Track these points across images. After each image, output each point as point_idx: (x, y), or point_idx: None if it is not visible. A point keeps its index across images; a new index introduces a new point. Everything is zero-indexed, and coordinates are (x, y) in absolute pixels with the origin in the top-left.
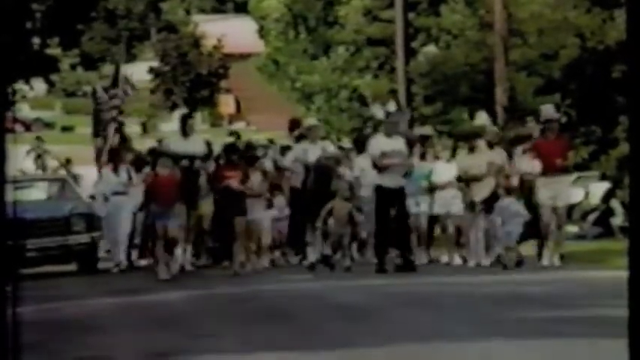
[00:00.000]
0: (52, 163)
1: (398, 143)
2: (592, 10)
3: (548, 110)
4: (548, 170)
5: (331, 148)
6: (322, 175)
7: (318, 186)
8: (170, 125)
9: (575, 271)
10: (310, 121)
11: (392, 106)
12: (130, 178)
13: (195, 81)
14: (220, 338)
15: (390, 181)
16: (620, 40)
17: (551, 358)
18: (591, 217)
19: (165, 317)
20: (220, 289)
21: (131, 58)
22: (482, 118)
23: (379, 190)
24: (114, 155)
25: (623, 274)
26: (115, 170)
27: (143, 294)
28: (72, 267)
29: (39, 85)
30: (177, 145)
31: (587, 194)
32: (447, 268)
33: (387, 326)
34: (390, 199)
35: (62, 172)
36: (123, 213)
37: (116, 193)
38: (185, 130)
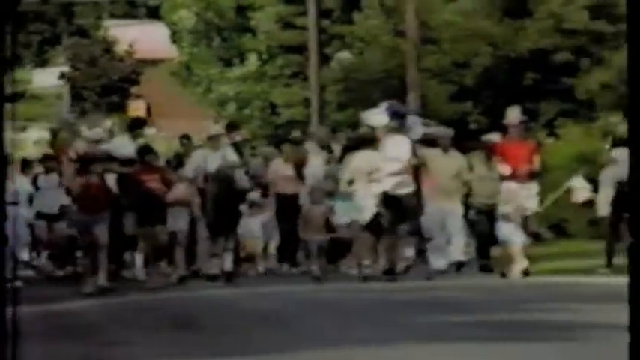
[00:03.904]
0: None
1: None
2: (504, 19)
3: (512, 114)
4: (514, 176)
5: (232, 157)
6: (222, 185)
7: (219, 197)
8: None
9: (491, 276)
10: (213, 129)
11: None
12: (35, 184)
13: (106, 86)
14: (132, 346)
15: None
16: (532, 49)
17: None
18: None
19: (77, 326)
20: (133, 296)
21: (42, 62)
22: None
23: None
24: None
25: (541, 279)
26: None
27: (56, 302)
28: None
29: None
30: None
31: None
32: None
33: (300, 332)
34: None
35: None
36: (16, 224)
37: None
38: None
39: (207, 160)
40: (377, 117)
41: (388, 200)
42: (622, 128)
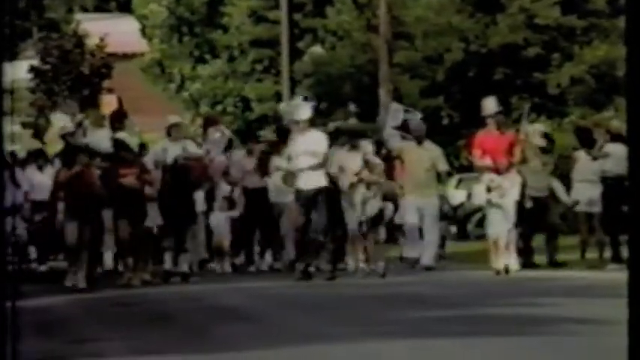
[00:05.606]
0: None
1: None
2: (475, 14)
3: (488, 104)
4: (494, 168)
5: (192, 148)
6: (179, 177)
7: (175, 189)
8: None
9: (461, 270)
10: (172, 118)
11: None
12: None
13: (76, 80)
14: (102, 343)
15: None
16: (503, 44)
17: (442, 357)
18: (474, 218)
19: (48, 322)
20: (103, 292)
21: (12, 56)
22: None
23: None
24: None
25: (518, 274)
26: None
27: (24, 299)
28: None
29: None
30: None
31: (469, 195)
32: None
33: (269, 328)
34: None
35: None
36: None
37: None
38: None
39: (166, 152)
40: (301, 109)
41: (300, 196)
42: (616, 123)
